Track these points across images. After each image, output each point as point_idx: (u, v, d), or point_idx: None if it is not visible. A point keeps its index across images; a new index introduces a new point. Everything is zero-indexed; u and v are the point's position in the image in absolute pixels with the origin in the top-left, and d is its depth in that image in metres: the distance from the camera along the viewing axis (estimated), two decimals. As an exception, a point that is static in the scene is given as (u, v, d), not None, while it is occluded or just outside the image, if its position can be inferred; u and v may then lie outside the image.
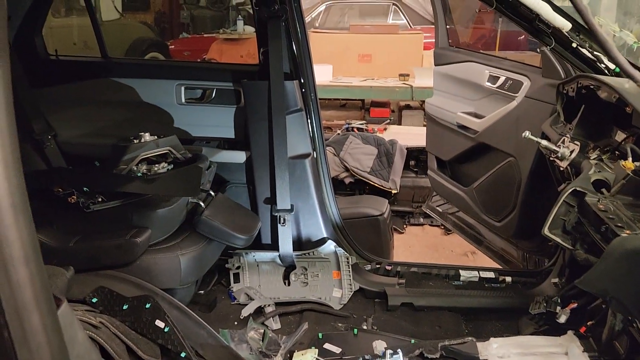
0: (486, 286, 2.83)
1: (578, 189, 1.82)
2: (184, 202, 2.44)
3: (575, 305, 2.04)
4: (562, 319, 2.05)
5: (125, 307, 2.23)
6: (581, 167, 2.01)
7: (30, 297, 0.65)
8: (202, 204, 2.52)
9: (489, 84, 3.21)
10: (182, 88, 2.95)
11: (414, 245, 4.47)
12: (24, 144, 2.82)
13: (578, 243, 1.85)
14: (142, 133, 2.44)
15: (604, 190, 1.83)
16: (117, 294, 2.24)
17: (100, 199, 2.27)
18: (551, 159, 2.24)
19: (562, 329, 2.10)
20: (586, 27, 1.82)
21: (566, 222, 1.88)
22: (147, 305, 2.21)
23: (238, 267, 2.92)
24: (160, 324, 2.21)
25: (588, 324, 1.98)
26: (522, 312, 2.65)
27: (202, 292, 2.78)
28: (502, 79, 3.12)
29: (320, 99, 3.06)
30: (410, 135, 5.45)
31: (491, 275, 2.87)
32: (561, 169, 2.22)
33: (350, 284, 2.83)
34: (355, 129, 5.35)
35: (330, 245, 2.87)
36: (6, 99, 0.69)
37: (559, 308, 2.08)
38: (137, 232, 2.23)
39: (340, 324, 2.66)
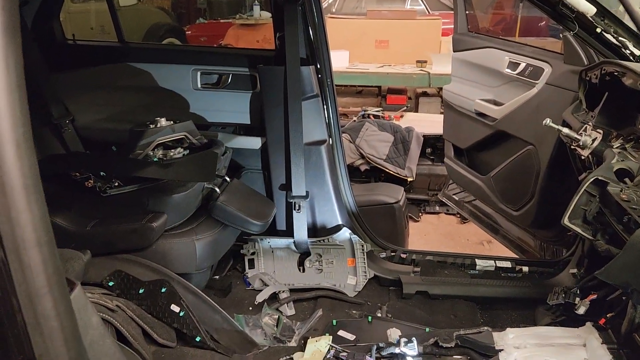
0: (502, 276, 2.81)
1: (600, 178, 1.78)
2: (200, 187, 2.44)
3: (595, 296, 2.01)
4: (581, 310, 2.01)
5: (141, 291, 2.25)
6: (603, 156, 1.96)
7: (43, 281, 0.65)
8: (217, 189, 2.52)
9: (508, 70, 3.14)
10: (198, 73, 2.94)
11: (429, 233, 4.44)
12: (43, 128, 2.84)
13: (599, 233, 1.81)
14: (159, 118, 2.44)
15: (627, 179, 1.79)
16: (134, 277, 2.27)
17: (116, 184, 2.28)
18: (572, 147, 2.19)
19: (580, 320, 2.06)
20: (622, 10, 1.75)
21: (587, 212, 1.84)
22: (163, 290, 2.23)
23: (253, 253, 2.93)
24: (175, 308, 2.23)
25: (607, 315, 1.95)
26: (539, 302, 2.62)
27: (217, 277, 2.80)
28: (522, 65, 3.05)
29: (336, 85, 3.03)
30: (427, 122, 5.39)
31: (507, 264, 2.84)
32: (582, 157, 2.17)
33: (365, 272, 2.82)
34: (371, 116, 5.30)
35: (345, 233, 2.86)
36: (18, 80, 0.68)
37: (577, 299, 2.05)
38: (153, 217, 2.24)
39: (354, 311, 2.66)
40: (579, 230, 1.84)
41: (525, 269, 2.80)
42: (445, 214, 4.71)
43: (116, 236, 2.24)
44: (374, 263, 2.88)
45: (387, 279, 2.83)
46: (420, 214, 4.69)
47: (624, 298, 1.97)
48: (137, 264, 2.30)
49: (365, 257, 2.83)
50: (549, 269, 2.77)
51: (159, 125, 2.43)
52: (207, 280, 2.62)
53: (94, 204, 2.33)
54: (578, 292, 2.08)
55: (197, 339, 2.21)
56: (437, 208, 4.74)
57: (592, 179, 1.80)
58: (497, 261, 2.87)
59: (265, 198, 2.89)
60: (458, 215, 4.62)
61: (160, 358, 2.18)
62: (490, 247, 4.18)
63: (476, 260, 2.88)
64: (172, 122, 2.47)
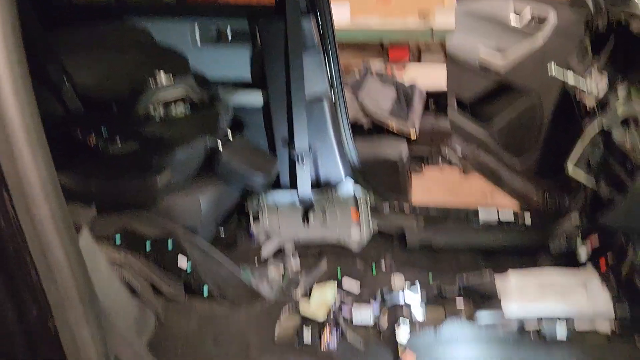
0: (505, 226, 2.83)
1: (605, 124, 1.76)
2: (203, 144, 2.44)
3: (596, 241, 2.03)
4: (582, 255, 2.04)
5: (148, 246, 2.29)
6: (608, 103, 1.94)
7: (53, 234, 0.66)
8: (220, 146, 2.52)
9: (513, 20, 3.08)
10: (197, 29, 2.89)
11: (432, 187, 4.44)
12: (40, 89, 2.81)
13: (602, 181, 1.81)
14: (157, 72, 2.41)
15: (632, 125, 1.77)
16: (140, 233, 2.30)
17: (118, 142, 2.28)
18: (577, 94, 2.17)
19: (581, 264, 2.10)
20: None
21: (591, 159, 1.84)
22: (170, 245, 2.27)
23: (257, 208, 2.96)
24: (182, 263, 2.27)
25: (608, 259, 1.98)
26: (541, 251, 2.65)
27: (223, 229, 2.83)
28: (527, 12, 2.98)
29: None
30: (430, 77, 5.31)
31: (510, 215, 2.86)
32: (587, 105, 2.15)
33: (369, 225, 2.85)
34: (373, 72, 5.22)
35: (349, 186, 2.87)
36: (14, 34, 0.67)
37: (579, 244, 2.07)
38: (157, 174, 2.25)
39: (358, 263, 2.70)
40: (582, 177, 1.85)
41: (528, 219, 2.82)
42: (449, 168, 4.70)
43: (121, 194, 2.26)
44: (377, 216, 2.90)
45: (391, 232, 2.86)
46: (422, 168, 4.68)
47: (625, 243, 1.99)
48: (143, 220, 2.32)
49: (369, 210, 2.85)
50: (552, 218, 2.78)
51: (158, 81, 2.40)
52: (213, 235, 2.65)
53: (96, 164, 2.34)
54: (580, 237, 2.10)
55: (205, 292, 2.26)
56: (440, 163, 4.72)
57: (596, 126, 1.79)
58: (500, 212, 2.89)
59: (268, 154, 2.89)
60: (461, 170, 4.61)
61: (170, 311, 2.23)
62: (494, 199, 4.19)
63: (479, 211, 2.90)
64: (171, 76, 2.44)
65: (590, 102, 2.02)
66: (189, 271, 2.22)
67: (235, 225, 3.03)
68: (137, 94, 2.41)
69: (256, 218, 2.97)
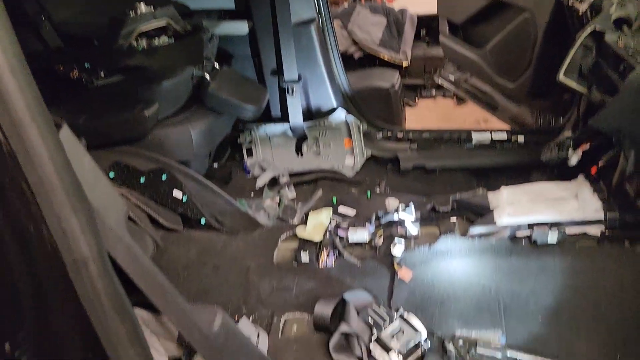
0: (498, 147, 2.83)
1: (597, 28, 1.73)
2: (189, 74, 2.39)
3: (587, 146, 2.03)
4: (574, 160, 2.05)
5: (142, 180, 2.28)
6: (602, 7, 1.89)
7: (23, 109, 0.65)
8: (207, 76, 2.47)
9: None
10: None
11: (425, 117, 4.42)
12: (18, 27, 2.72)
13: (594, 86, 1.79)
14: (137, 2, 2.32)
15: (625, 27, 1.74)
16: (133, 167, 2.29)
17: (102, 75, 2.23)
18: (569, 3, 2.11)
19: (574, 177, 2.11)
20: None
21: (583, 65, 1.81)
22: (164, 177, 2.27)
23: (250, 142, 2.95)
24: (178, 194, 2.27)
25: (599, 164, 1.99)
26: (534, 169, 2.67)
27: (217, 165, 2.82)
28: None
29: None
30: (420, 1, 5.14)
31: (503, 135, 2.86)
32: (580, 13, 2.10)
33: (362, 151, 2.85)
34: (362, 0, 5.06)
35: (340, 114, 2.84)
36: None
37: (571, 151, 2.08)
38: (144, 106, 2.21)
39: (353, 190, 2.72)
40: (574, 85, 1.83)
41: (521, 138, 2.82)
42: (442, 97, 4.66)
43: (109, 128, 2.23)
44: (370, 143, 2.90)
45: (385, 158, 2.87)
46: (416, 99, 4.63)
47: (615, 149, 2.00)
48: (135, 154, 2.31)
49: (361, 137, 2.84)
50: (544, 136, 2.78)
51: (138, 12, 2.32)
52: (206, 167, 2.65)
53: (82, 98, 2.30)
54: (571, 144, 2.10)
55: (202, 221, 2.28)
56: (434, 92, 4.67)
57: (589, 30, 1.75)
58: (493, 133, 2.88)
59: (257, 83, 2.84)
60: (454, 98, 4.57)
61: (169, 241, 2.26)
62: (487, 125, 4.18)
63: (472, 133, 2.89)
64: (151, 6, 2.35)
65: (583, 7, 1.97)
66: (184, 201, 2.22)
67: (228, 160, 3.03)
68: (118, 26, 2.33)
69: (249, 151, 2.96)
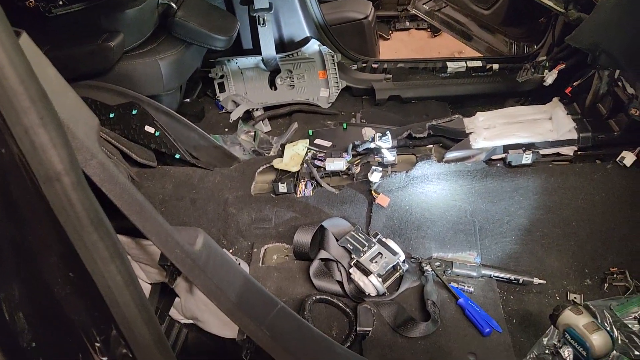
0: (473, 75, 2.82)
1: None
2: (154, 1, 2.27)
3: (563, 66, 2.04)
4: (550, 79, 2.06)
5: (111, 115, 2.22)
6: None
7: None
8: (174, 4, 2.35)
9: None
10: None
11: (400, 50, 4.36)
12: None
13: (571, 4, 1.77)
14: None
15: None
16: (101, 103, 2.21)
17: (61, 2, 2.10)
18: None
19: (548, 100, 2.13)
20: None
21: (560, -18, 1.78)
22: (134, 112, 2.20)
23: (222, 76, 2.86)
24: (150, 129, 2.22)
25: (574, 84, 2.00)
26: (508, 96, 2.69)
27: (189, 100, 2.75)
28: None
29: None
30: None
31: (478, 63, 2.84)
32: None
33: (337, 83, 2.80)
34: None
35: (314, 45, 2.77)
36: None
37: (546, 71, 2.08)
38: (109, 36, 2.11)
39: (329, 122, 2.70)
40: (550, 3, 1.80)
41: (496, 66, 2.81)
42: (416, 29, 4.58)
43: (73, 60, 2.13)
44: (345, 74, 2.85)
45: (360, 89, 2.83)
46: (390, 32, 4.55)
47: (590, 71, 2.01)
48: (102, 89, 2.23)
49: (336, 67, 2.78)
50: (519, 64, 2.77)
51: None
52: (178, 102, 2.58)
53: (42, 29, 2.16)
54: (547, 64, 2.10)
55: (177, 156, 2.24)
56: (408, 24, 4.58)
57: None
58: (467, 62, 2.86)
59: (227, 12, 2.73)
60: (429, 30, 4.50)
61: (143, 177, 2.23)
62: (462, 56, 4.14)
63: (447, 63, 2.86)
64: None
65: None
66: (157, 135, 2.17)
67: (200, 95, 2.95)
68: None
69: (221, 86, 2.89)
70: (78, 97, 1.15)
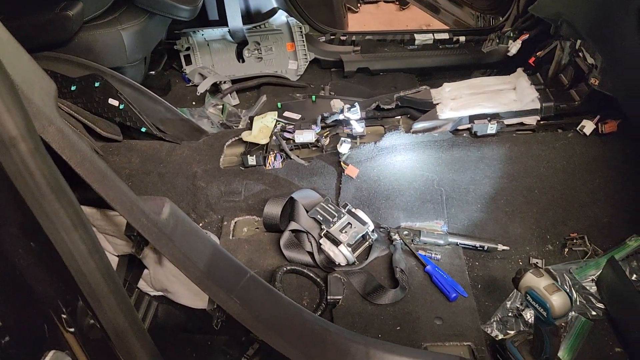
0: (440, 47, 2.83)
1: None
2: (113, -32, 2.19)
3: (527, 36, 2.07)
4: (514, 49, 2.09)
5: (73, 88, 2.15)
6: None
7: None
8: (135, -29, 2.27)
9: None
10: None
11: (368, 22, 4.33)
12: None
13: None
14: None
15: None
16: (62, 75, 2.14)
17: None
18: None
19: (514, 71, 2.16)
20: None
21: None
22: (97, 84, 2.14)
23: (188, 48, 2.80)
24: (114, 102, 2.16)
25: (537, 54, 2.04)
26: (475, 68, 2.71)
27: (154, 72, 2.68)
28: None
29: None
30: None
31: (445, 36, 2.85)
32: None
33: (306, 55, 2.78)
34: None
35: (281, 16, 2.73)
36: None
37: (510, 42, 2.11)
38: (67, 5, 2.03)
39: (298, 94, 2.68)
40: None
41: (462, 38, 2.83)
42: (384, 2, 4.56)
43: (30, 30, 2.04)
44: (313, 46, 2.82)
45: (329, 61, 2.82)
46: (359, 4, 4.51)
47: (553, 42, 2.04)
48: (62, 61, 2.15)
49: (304, 39, 2.76)
50: (485, 36, 2.79)
51: None
52: (143, 74, 2.51)
53: (-5, -2, 2.07)
54: (511, 35, 2.13)
55: (143, 129, 2.20)
56: (376, -3, 4.55)
57: None
58: (435, 34, 2.87)
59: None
60: (397, 2, 4.49)
61: (109, 151, 2.18)
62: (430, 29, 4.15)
63: (415, 35, 2.87)
64: None
65: None
66: (121, 108, 2.12)
67: (166, 68, 2.89)
68: None
69: (187, 59, 2.82)
70: (33, 61, 1.10)
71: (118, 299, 0.90)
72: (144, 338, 1.00)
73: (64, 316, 0.91)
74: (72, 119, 2.05)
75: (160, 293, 1.41)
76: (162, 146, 2.20)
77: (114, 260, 1.26)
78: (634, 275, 1.73)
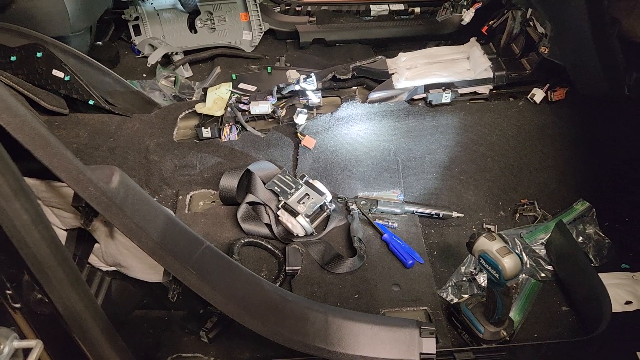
0: (396, 18, 2.83)
1: None
2: None
3: (479, 5, 2.09)
4: (467, 18, 2.10)
5: (13, 58, 2.03)
6: None
7: None
8: None
9: None
10: None
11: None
12: None
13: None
14: None
15: None
16: (1, 45, 2.02)
17: None
18: None
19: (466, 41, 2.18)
20: None
21: None
22: (39, 54, 2.03)
23: (136, 18, 2.69)
24: (58, 73, 2.06)
25: (490, 22, 2.06)
26: (430, 39, 2.73)
27: (100, 43, 2.57)
28: None
29: None
30: None
31: (401, 7, 2.85)
32: None
33: (260, 25, 2.72)
34: None
35: (234, -15, 2.65)
36: None
37: (464, 10, 2.13)
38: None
39: (253, 66, 2.63)
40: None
41: (417, 9, 2.83)
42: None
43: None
44: (268, 16, 2.76)
45: (284, 32, 2.77)
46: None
47: (505, 12, 2.07)
48: (1, 30, 2.03)
49: (258, 10, 2.69)
50: (438, 7, 2.81)
51: None
52: (89, 45, 2.40)
53: None
54: (465, 3, 2.14)
55: (90, 102, 2.10)
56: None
57: None
58: (390, 5, 2.86)
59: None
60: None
61: (54, 125, 2.08)
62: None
63: (370, 5, 2.85)
64: None
65: None
66: (67, 79, 2.02)
67: (114, 39, 2.77)
68: None
69: (137, 29, 2.72)
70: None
71: (67, 271, 0.86)
72: (98, 314, 0.97)
73: (9, 292, 0.87)
74: (12, 91, 1.94)
75: (113, 268, 1.37)
76: (111, 119, 2.12)
77: (62, 235, 1.21)
78: (580, 238, 1.81)
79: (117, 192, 0.94)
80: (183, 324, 1.57)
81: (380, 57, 2.16)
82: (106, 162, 2.01)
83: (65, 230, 1.20)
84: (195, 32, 2.73)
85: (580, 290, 1.62)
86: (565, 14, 1.57)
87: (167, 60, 2.63)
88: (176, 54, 2.58)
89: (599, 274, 1.58)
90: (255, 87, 2.31)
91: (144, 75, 2.60)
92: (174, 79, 2.44)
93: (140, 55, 2.69)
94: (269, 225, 1.81)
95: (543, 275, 1.74)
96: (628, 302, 1.63)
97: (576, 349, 1.45)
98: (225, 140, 1.99)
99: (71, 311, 0.87)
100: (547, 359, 1.43)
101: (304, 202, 1.77)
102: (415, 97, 2.05)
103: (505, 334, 1.46)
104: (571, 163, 1.97)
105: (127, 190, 0.97)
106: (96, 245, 1.28)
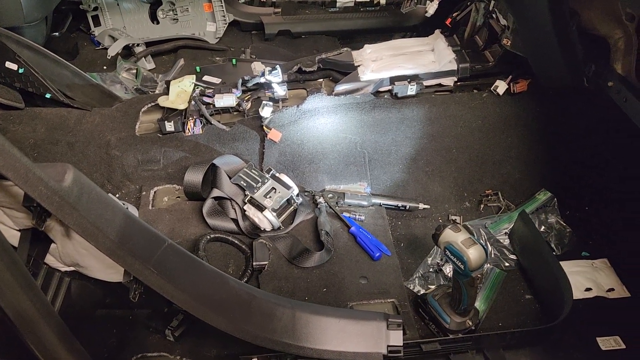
0: (362, 10, 2.82)
1: None
2: None
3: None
4: (431, 10, 2.11)
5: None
6: None
7: None
8: None
9: None
10: None
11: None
12: None
13: None
14: None
15: None
16: (-53, 36, 1.92)
17: None
18: None
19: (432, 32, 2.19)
20: None
21: None
22: (-11, 46, 1.94)
23: (95, 8, 2.61)
24: (11, 65, 1.98)
25: (453, 15, 2.08)
26: (396, 31, 2.73)
27: (58, 34, 2.47)
28: None
29: None
30: None
31: (367, -2, 2.84)
32: None
33: (224, 16, 2.67)
34: None
35: (197, -25, 2.59)
36: None
37: (428, 2, 2.13)
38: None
39: (217, 58, 2.58)
40: None
41: (383, 1, 2.83)
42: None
43: None
44: (232, 7, 2.72)
45: (249, 23, 2.73)
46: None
47: (469, 4, 2.08)
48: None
49: (222, 0, 2.64)
50: (406, -2, 2.81)
51: None
52: (45, 36, 2.31)
53: None
54: (429, -1, 2.15)
55: (47, 95, 2.03)
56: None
57: None
58: (356, -4, 2.84)
59: None
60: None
61: (9, 120, 2.00)
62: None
63: (336, -3, 2.83)
64: None
65: None
66: (21, 71, 1.94)
67: (72, 30, 2.68)
68: None
69: (96, 19, 2.63)
70: None
71: (16, 275, 0.83)
72: (52, 317, 0.94)
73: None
74: (-39, 85, 1.85)
75: (71, 268, 1.32)
76: (70, 114, 2.05)
77: (15, 235, 1.16)
78: (543, 227, 1.85)
79: (70, 190, 0.91)
80: (148, 322, 1.54)
81: (345, 49, 2.15)
82: (65, 157, 1.94)
83: (19, 230, 1.15)
84: (157, 22, 2.67)
85: (542, 279, 1.66)
86: (527, 6, 1.58)
87: (128, 52, 2.55)
88: (138, 45, 2.51)
89: (561, 262, 1.61)
90: (220, 80, 2.27)
91: (105, 67, 2.52)
92: (135, 71, 2.37)
93: (100, 47, 2.61)
94: (235, 220, 1.78)
95: (507, 264, 1.76)
96: (588, 289, 1.67)
97: (539, 336, 1.48)
98: (190, 134, 1.95)
99: (22, 316, 0.83)
100: (512, 347, 1.46)
101: (270, 196, 1.75)
102: (381, 89, 2.04)
103: (470, 323, 1.48)
104: (533, 153, 2.00)
105: (81, 189, 0.93)
106: (53, 245, 1.24)
